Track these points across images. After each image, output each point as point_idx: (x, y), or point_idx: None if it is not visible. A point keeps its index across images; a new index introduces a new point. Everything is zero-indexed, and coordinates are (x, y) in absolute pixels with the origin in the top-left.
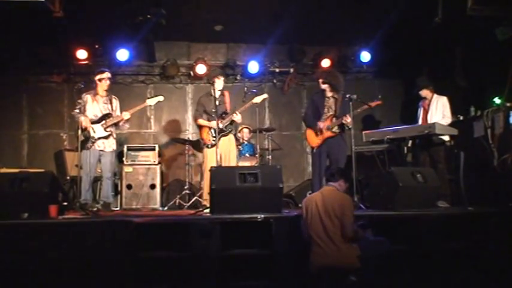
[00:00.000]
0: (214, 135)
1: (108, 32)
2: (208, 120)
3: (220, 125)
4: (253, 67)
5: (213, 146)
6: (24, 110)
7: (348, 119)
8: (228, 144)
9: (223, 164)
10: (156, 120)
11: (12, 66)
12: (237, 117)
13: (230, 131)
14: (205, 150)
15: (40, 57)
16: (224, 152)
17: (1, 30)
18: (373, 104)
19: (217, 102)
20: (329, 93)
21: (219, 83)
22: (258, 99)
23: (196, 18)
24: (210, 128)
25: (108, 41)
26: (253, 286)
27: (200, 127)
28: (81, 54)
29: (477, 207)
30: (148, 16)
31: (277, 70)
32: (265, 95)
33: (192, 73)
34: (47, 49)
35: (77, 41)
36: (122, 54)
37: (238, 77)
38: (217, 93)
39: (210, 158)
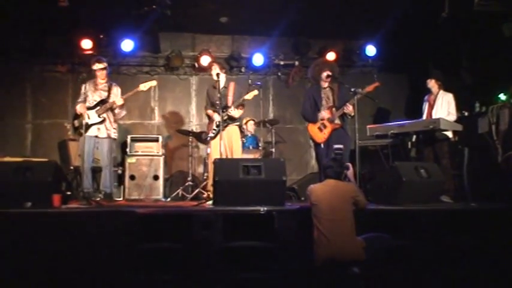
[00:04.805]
0: (214, 127)
1: (113, 22)
2: (213, 112)
3: (219, 119)
4: (258, 59)
5: (212, 138)
6: (28, 99)
7: (349, 108)
8: (230, 136)
9: (226, 156)
10: (160, 111)
11: (16, 55)
12: (233, 112)
13: (227, 125)
14: (211, 142)
15: (45, 46)
16: (227, 144)
17: (6, 19)
18: (371, 87)
19: (218, 95)
20: (325, 84)
21: (215, 72)
22: (249, 96)
23: (201, 9)
24: (212, 119)
25: (113, 31)
26: (255, 278)
27: (208, 118)
28: (86, 44)
29: (480, 203)
30: (154, 7)
31: (281, 63)
32: (255, 92)
33: (196, 65)
34: (52, 39)
35: (82, 31)
36: (127, 45)
37: (242, 69)
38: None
39: (214, 150)
